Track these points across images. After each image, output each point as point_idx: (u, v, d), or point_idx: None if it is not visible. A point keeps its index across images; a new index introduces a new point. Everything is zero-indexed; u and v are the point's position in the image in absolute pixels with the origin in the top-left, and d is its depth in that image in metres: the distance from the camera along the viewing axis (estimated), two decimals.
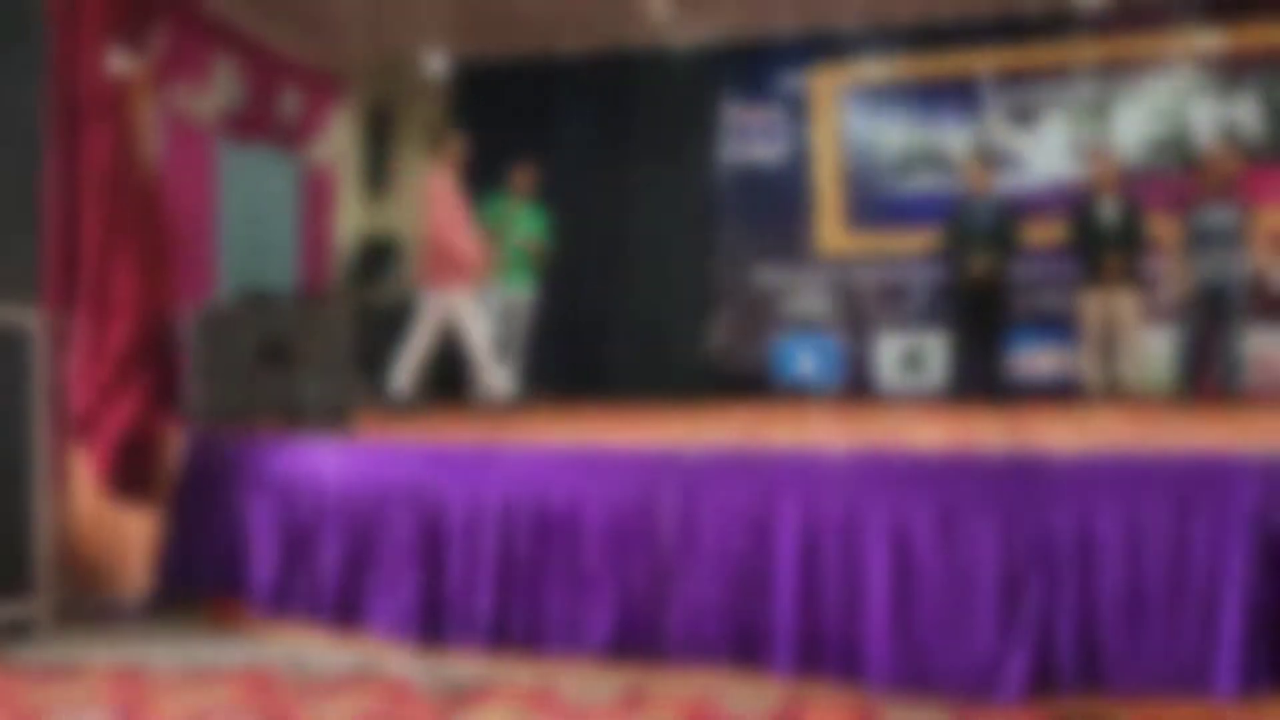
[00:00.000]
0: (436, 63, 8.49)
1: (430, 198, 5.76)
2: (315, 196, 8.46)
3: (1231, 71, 7.28)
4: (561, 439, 4.20)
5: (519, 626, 3.61)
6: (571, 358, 8.02)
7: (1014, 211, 6.67)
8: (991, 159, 6.79)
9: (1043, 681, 3.12)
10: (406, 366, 5.95)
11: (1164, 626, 3.07)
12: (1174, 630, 3.08)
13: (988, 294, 6.51)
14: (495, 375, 5.87)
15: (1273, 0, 7.18)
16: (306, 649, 3.87)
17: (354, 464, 3.94)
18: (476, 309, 5.87)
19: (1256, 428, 4.52)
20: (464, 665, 3.62)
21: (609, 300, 8.04)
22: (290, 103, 8.08)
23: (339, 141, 8.77)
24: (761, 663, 3.37)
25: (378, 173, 9.66)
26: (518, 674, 3.51)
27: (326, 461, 4.00)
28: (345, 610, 3.89)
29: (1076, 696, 3.09)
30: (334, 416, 4.32)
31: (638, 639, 3.46)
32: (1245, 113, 7.27)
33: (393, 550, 3.82)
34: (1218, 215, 6.16)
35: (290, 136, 8.09)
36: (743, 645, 3.40)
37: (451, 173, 5.95)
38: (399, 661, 3.67)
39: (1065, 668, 3.09)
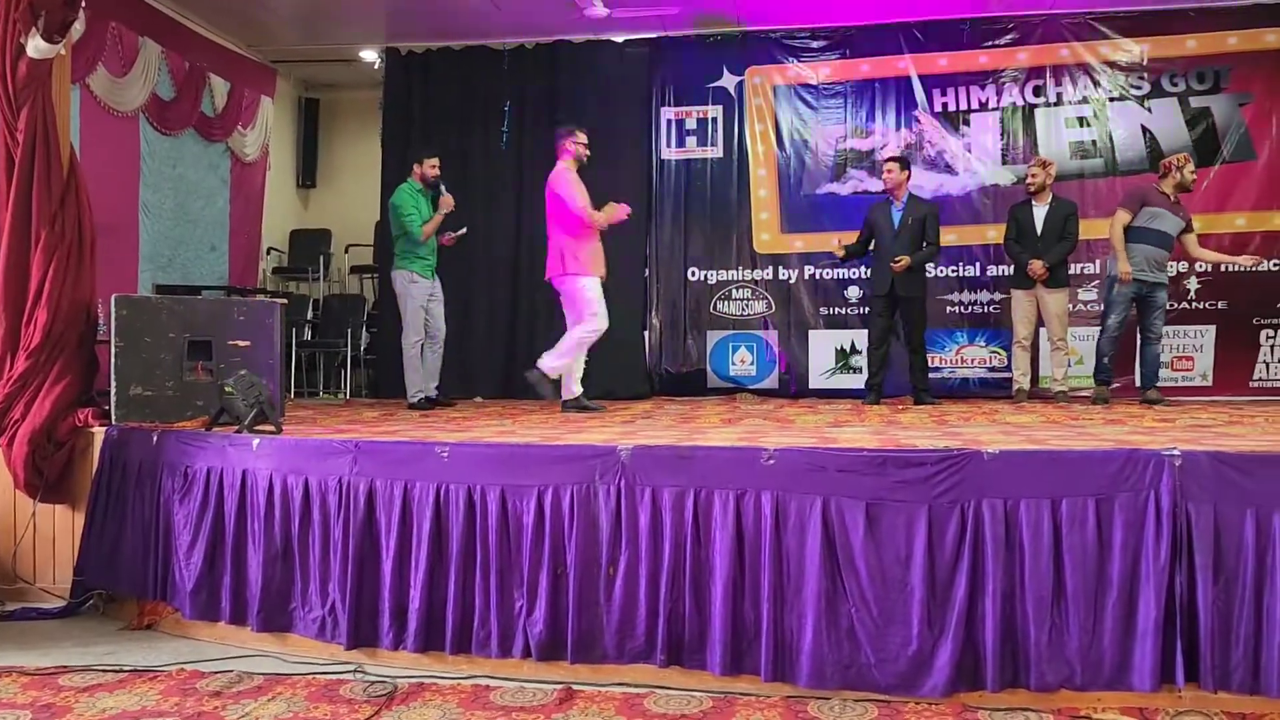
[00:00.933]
0: (370, 53, 8.37)
1: (569, 192, 5.80)
2: (244, 187, 8.29)
3: (1151, 80, 7.51)
4: (495, 437, 4.17)
5: (452, 626, 3.57)
6: (506, 355, 7.96)
7: (929, 211, 6.69)
8: (908, 160, 6.87)
9: (968, 675, 3.19)
10: (569, 369, 5.96)
11: (1084, 619, 3.16)
12: (1094, 623, 3.16)
13: (906, 294, 6.56)
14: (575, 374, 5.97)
15: (1188, 15, 7.41)
16: (234, 650, 3.79)
17: (283, 462, 3.86)
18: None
19: (1173, 424, 4.67)
20: (395, 665, 3.58)
21: (542, 296, 7.98)
22: (218, 92, 7.90)
23: (269, 131, 8.61)
24: (695, 660, 3.39)
25: (309, 164, 9.50)
26: (450, 674, 3.48)
27: (254, 460, 3.92)
28: (273, 610, 3.82)
29: (1000, 690, 3.15)
30: (261, 414, 4.23)
31: (572, 637, 3.45)
32: (1163, 120, 7.50)
33: (322, 549, 3.75)
34: (1167, 219, 6.33)
35: (218, 126, 7.90)
36: (676, 643, 3.41)
37: (575, 166, 6.00)
38: (328, 662, 3.61)
39: (989, 661, 3.16)
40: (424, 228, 6.44)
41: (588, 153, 6.10)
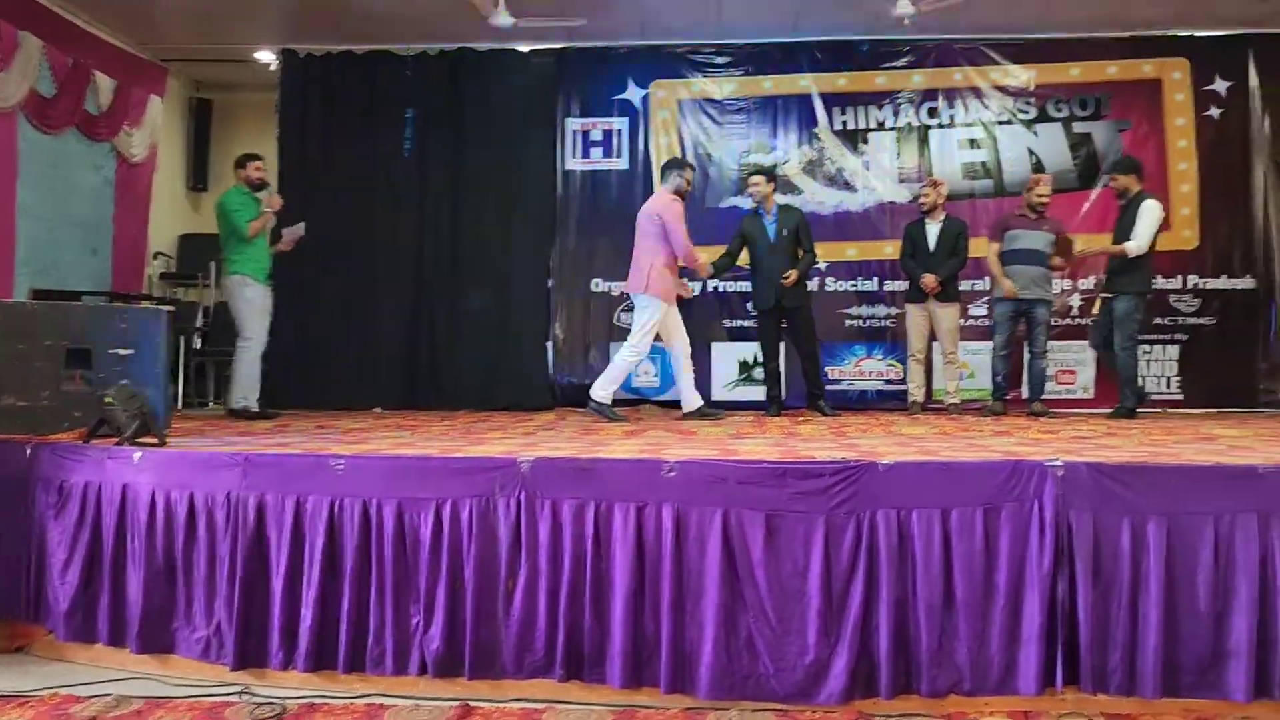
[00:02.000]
0: (266, 54, 8.15)
1: (678, 226, 6.22)
2: (130, 189, 7.98)
3: (1038, 106, 7.82)
4: (393, 449, 4.08)
5: (345, 643, 3.48)
6: (407, 365, 7.82)
7: (800, 219, 6.78)
8: (773, 172, 7.01)
9: (863, 682, 3.24)
10: (688, 383, 6.44)
11: (973, 626, 3.24)
12: (982, 629, 3.25)
13: (792, 304, 6.65)
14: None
15: (1072, 44, 7.74)
16: (112, 673, 3.62)
17: (166, 476, 3.71)
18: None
19: (1057, 435, 4.85)
20: (285, 686, 3.47)
21: (445, 305, 7.89)
22: (104, 90, 7.59)
23: (158, 132, 8.30)
24: (594, 673, 3.37)
25: (200, 166, 9.20)
26: (343, 693, 3.38)
27: (135, 473, 3.75)
28: (154, 631, 3.66)
29: (894, 696, 3.22)
30: (144, 426, 4.05)
31: (470, 653, 3.39)
32: (1048, 144, 7.81)
33: (207, 566, 3.62)
34: (1029, 237, 6.60)
35: (103, 125, 7.59)
36: (576, 656, 3.39)
37: (674, 195, 6.38)
38: (214, 684, 3.48)
39: (883, 668, 3.22)
40: (252, 224, 6.35)
41: (689, 188, 6.54)
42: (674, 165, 6.53)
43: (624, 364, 6.32)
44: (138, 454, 3.79)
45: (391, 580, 3.47)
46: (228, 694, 3.37)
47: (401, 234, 7.89)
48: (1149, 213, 6.44)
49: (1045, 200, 6.68)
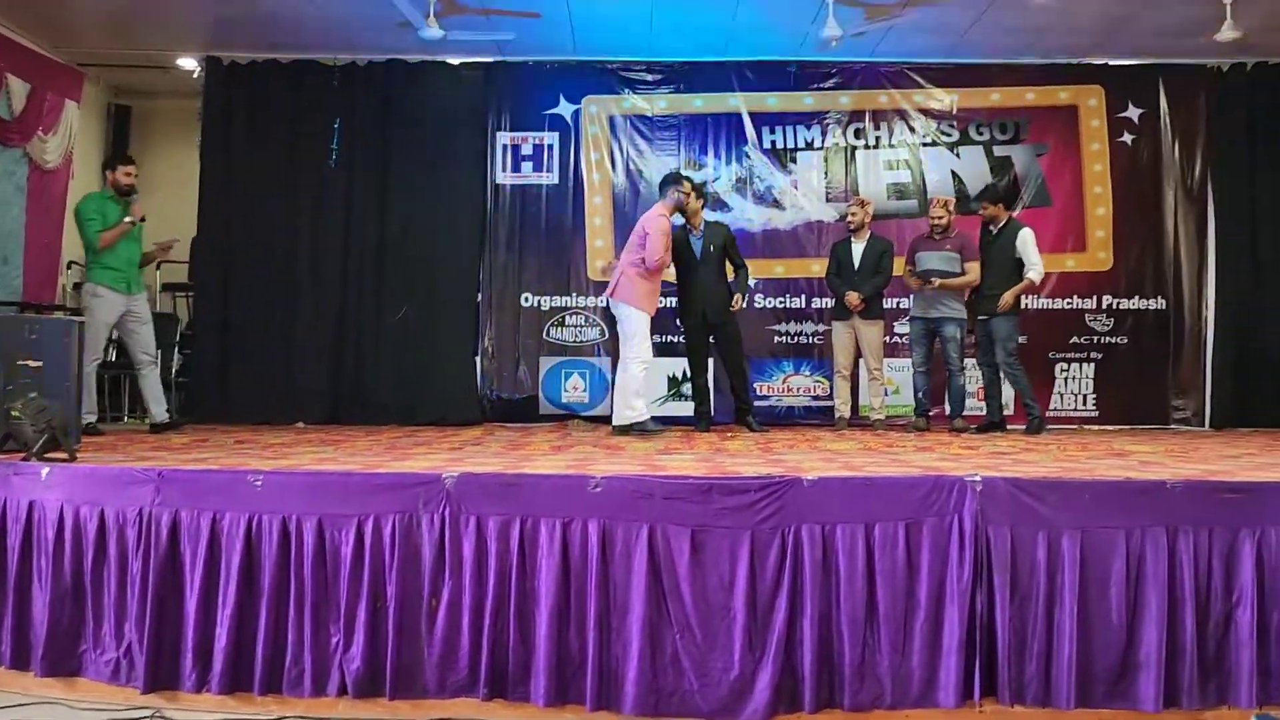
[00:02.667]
0: (189, 60, 7.97)
1: (656, 239, 6.18)
2: (43, 196, 7.72)
3: (960, 129, 8.01)
4: (314, 464, 4.00)
5: (262, 664, 3.39)
6: (332, 378, 7.68)
7: (727, 235, 6.85)
8: (703, 188, 7.08)
9: (787, 697, 3.26)
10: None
11: (895, 639, 3.29)
12: (904, 642, 3.30)
13: (719, 320, 6.68)
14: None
15: (992, 70, 7.97)
16: (15, 698, 3.47)
17: (75, 492, 3.58)
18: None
19: (977, 451, 4.95)
20: (198, 708, 3.37)
21: (371, 317, 7.77)
22: (16, 94, 7.34)
23: (74, 138, 8.06)
24: (518, 692, 3.33)
25: None
26: (259, 715, 3.29)
27: (42, 490, 3.61)
28: (60, 653, 3.52)
29: (817, 711, 3.24)
30: (52, 440, 3.91)
31: (391, 672, 3.33)
32: (970, 166, 8.01)
33: (118, 586, 3.50)
34: (933, 258, 6.74)
35: (15, 130, 7.34)
36: (500, 675, 3.35)
37: (671, 211, 6.44)
38: (123, 708, 3.36)
39: (807, 683, 3.24)
40: (103, 235, 6.06)
41: (688, 202, 6.56)
42: (671, 181, 6.54)
43: (636, 376, 6.23)
44: (45, 470, 3.65)
45: (311, 599, 3.39)
46: (138, 718, 3.26)
47: (326, 246, 7.76)
48: (1033, 241, 6.68)
49: (938, 221, 6.80)
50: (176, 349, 7.89)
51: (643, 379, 6.29)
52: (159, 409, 6.33)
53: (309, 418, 7.36)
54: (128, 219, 6.13)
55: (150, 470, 3.55)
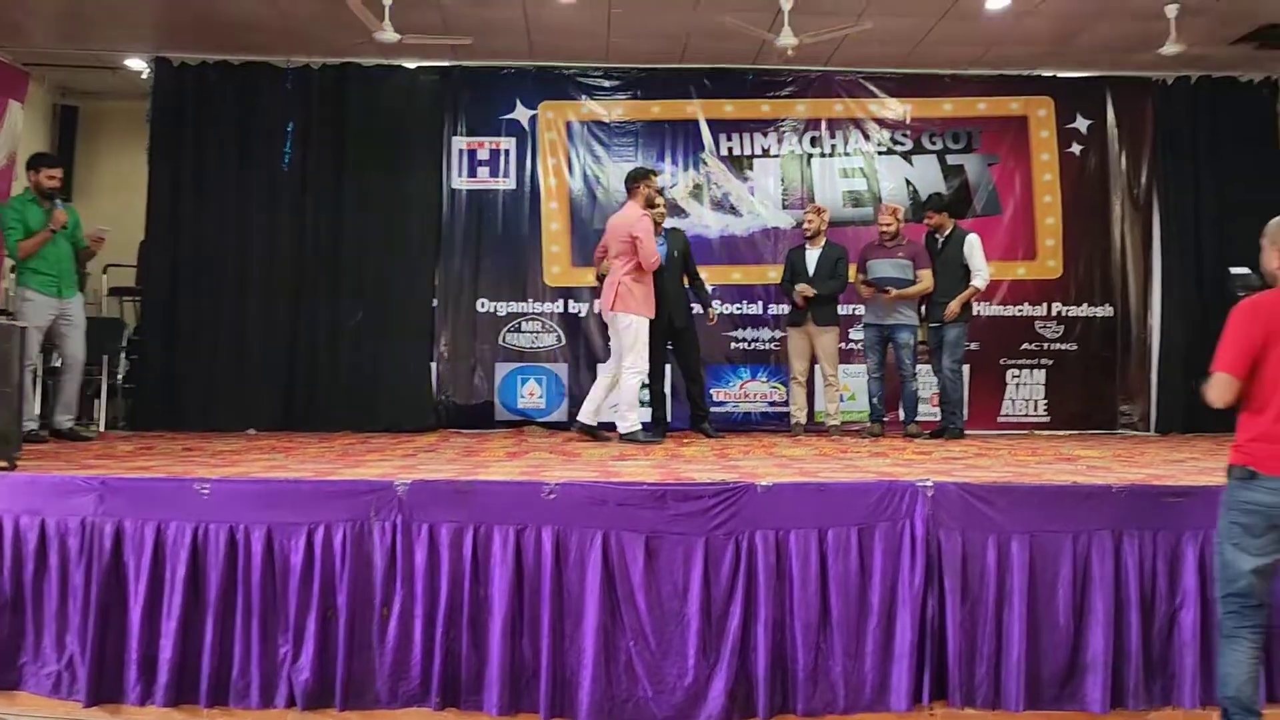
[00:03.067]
0: (137, 61, 7.83)
1: (649, 241, 6.05)
2: None
3: (913, 138, 8.11)
4: (264, 472, 3.94)
5: (208, 676, 3.33)
6: (284, 384, 7.57)
7: (685, 242, 6.86)
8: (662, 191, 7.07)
9: (741, 703, 3.27)
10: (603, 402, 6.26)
11: (848, 644, 3.31)
12: (857, 647, 3.32)
13: (682, 324, 6.65)
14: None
15: (944, 80, 8.07)
16: None
17: (15, 501, 3.49)
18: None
19: (930, 456, 5.00)
20: None
21: (324, 326, 7.67)
22: None
23: (18, 139, 7.87)
24: (471, 701, 3.31)
25: (65, 176, 8.74)
26: None
27: None
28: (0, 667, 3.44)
29: (771, 717, 3.25)
30: None
31: (341, 683, 3.29)
32: (924, 174, 8.10)
33: (60, 597, 3.42)
34: (884, 265, 6.79)
35: None
36: (453, 684, 3.32)
37: (643, 206, 6.21)
38: None
39: (761, 688, 3.26)
40: (22, 244, 5.86)
41: (658, 198, 6.43)
42: (639, 176, 6.33)
43: (631, 387, 6.07)
44: None
45: (259, 609, 3.35)
46: None
47: (278, 250, 7.65)
48: (979, 246, 6.76)
49: (887, 229, 6.85)
50: (123, 354, 7.71)
51: (637, 389, 6.14)
52: (65, 417, 6.12)
53: (260, 425, 7.23)
54: (50, 227, 5.93)
55: (93, 479, 3.48)
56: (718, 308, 7.57)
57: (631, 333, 6.06)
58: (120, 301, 8.44)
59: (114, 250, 8.13)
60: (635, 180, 6.32)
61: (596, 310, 7.89)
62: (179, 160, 7.69)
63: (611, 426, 6.28)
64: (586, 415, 6.31)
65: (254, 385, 7.49)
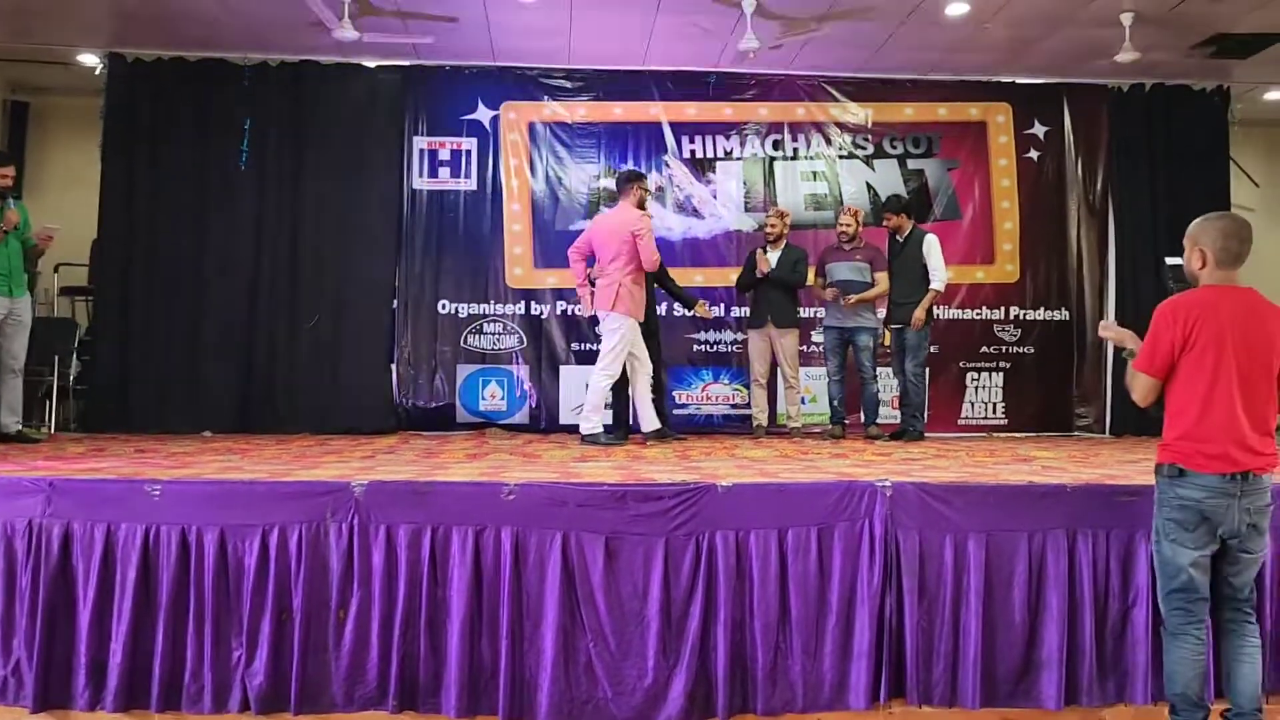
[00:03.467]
0: (90, 56, 7.69)
1: (651, 241, 6.05)
2: None
3: (874, 142, 8.17)
4: (218, 473, 3.88)
5: (159, 680, 3.27)
6: (240, 384, 7.46)
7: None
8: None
9: (700, 704, 3.26)
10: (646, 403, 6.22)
11: (807, 643, 3.32)
12: (816, 646, 3.33)
13: (650, 326, 6.64)
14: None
15: (906, 85, 8.15)
16: None
17: None
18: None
19: (890, 457, 5.04)
20: None
21: (282, 327, 7.58)
22: None
23: None
24: (429, 704, 3.28)
25: (15, 173, 8.56)
26: None
27: None
28: None
29: (730, 717, 3.25)
30: None
31: (296, 687, 3.24)
32: (885, 178, 8.17)
33: (5, 601, 3.34)
34: (842, 268, 6.83)
35: None
36: (410, 687, 3.29)
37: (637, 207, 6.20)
38: None
39: (720, 689, 3.25)
40: None
41: (648, 199, 6.42)
42: (631, 179, 6.32)
43: (599, 389, 6.04)
44: None
45: (212, 612, 3.29)
46: None
47: (235, 249, 7.54)
48: (938, 246, 6.79)
49: (845, 229, 6.88)
50: (75, 355, 7.57)
51: (606, 390, 6.11)
52: (11, 419, 5.98)
53: (216, 427, 7.12)
54: (1, 227, 5.80)
55: (40, 480, 3.41)
56: (679, 310, 7.57)
57: (618, 335, 6.01)
58: (72, 301, 8.28)
59: (65, 249, 7.99)
60: (628, 181, 6.30)
61: (559, 312, 7.89)
62: (133, 158, 7.56)
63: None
64: (646, 422, 6.22)
65: (209, 387, 7.38)
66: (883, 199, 7.98)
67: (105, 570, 3.31)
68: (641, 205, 6.27)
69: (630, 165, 8.00)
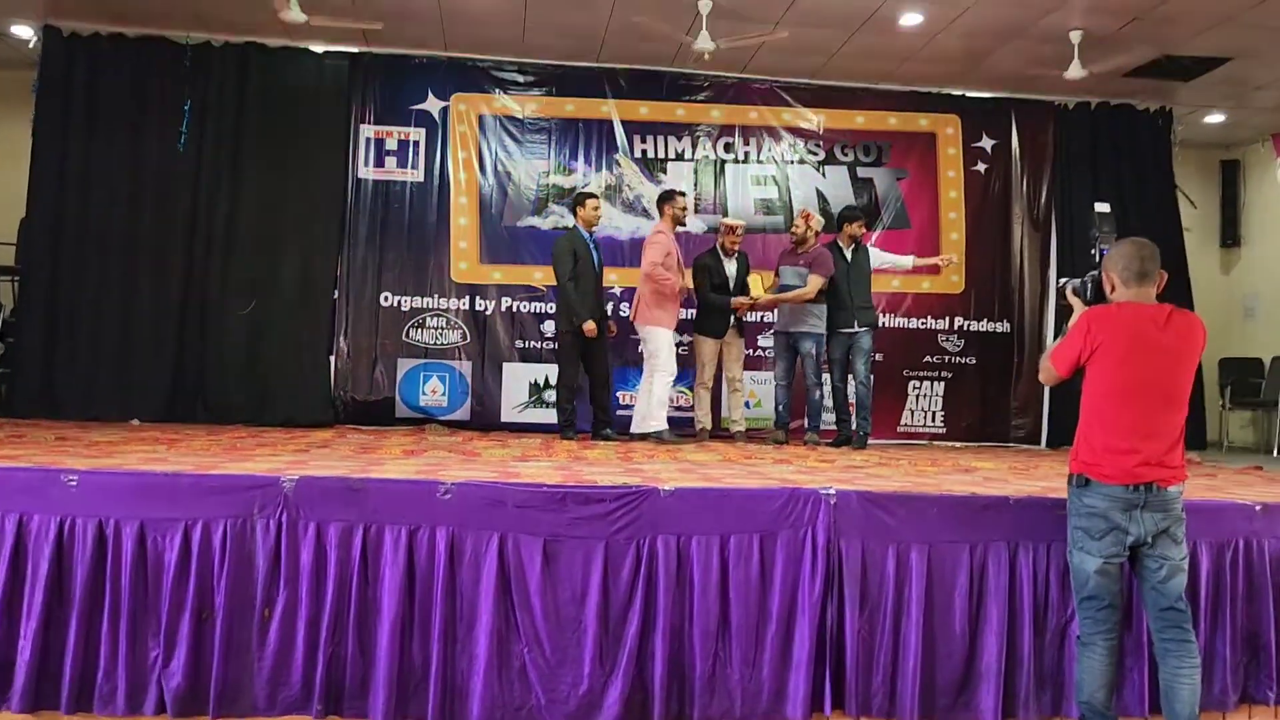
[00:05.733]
0: (24, 29, 7.40)
1: (647, 250, 6.52)
2: None
3: (826, 149, 8.19)
4: (142, 464, 3.72)
5: (70, 680, 3.11)
6: (171, 371, 7.23)
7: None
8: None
9: (636, 712, 3.19)
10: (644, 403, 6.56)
11: (746, 652, 3.27)
12: (755, 655, 3.28)
13: (601, 330, 6.59)
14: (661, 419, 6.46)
15: (857, 93, 8.18)
16: None
17: None
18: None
19: (833, 464, 5.02)
20: None
21: (215, 314, 7.36)
22: None
23: None
24: (355, 707, 3.17)
25: None
26: None
27: None
28: None
29: None
30: None
31: (215, 688, 3.11)
32: (835, 185, 8.19)
33: None
34: (787, 273, 6.82)
35: None
36: (336, 690, 3.18)
37: (671, 225, 6.64)
38: None
39: (657, 697, 3.19)
40: None
41: (684, 215, 6.78)
42: (665, 199, 6.72)
43: (659, 390, 6.45)
44: None
45: (128, 609, 3.14)
46: None
47: (170, 233, 7.31)
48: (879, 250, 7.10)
49: (795, 231, 6.84)
50: None
51: (666, 390, 6.53)
52: None
53: (145, 415, 6.90)
54: None
55: None
56: (625, 311, 7.48)
57: (653, 341, 6.48)
58: None
59: None
60: (663, 202, 6.74)
61: (504, 308, 7.78)
62: (67, 135, 7.30)
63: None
64: (641, 426, 6.51)
65: (140, 374, 7.16)
66: (833, 205, 8.02)
67: (15, 563, 3.14)
68: (679, 222, 6.72)
69: (581, 162, 7.94)
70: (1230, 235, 9.40)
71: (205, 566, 3.17)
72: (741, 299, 6.79)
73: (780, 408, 6.97)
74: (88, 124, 7.32)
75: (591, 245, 6.64)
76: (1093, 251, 3.43)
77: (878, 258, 6.96)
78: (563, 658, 3.20)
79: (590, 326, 6.39)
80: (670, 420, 7.65)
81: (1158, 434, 2.94)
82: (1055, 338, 8.06)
